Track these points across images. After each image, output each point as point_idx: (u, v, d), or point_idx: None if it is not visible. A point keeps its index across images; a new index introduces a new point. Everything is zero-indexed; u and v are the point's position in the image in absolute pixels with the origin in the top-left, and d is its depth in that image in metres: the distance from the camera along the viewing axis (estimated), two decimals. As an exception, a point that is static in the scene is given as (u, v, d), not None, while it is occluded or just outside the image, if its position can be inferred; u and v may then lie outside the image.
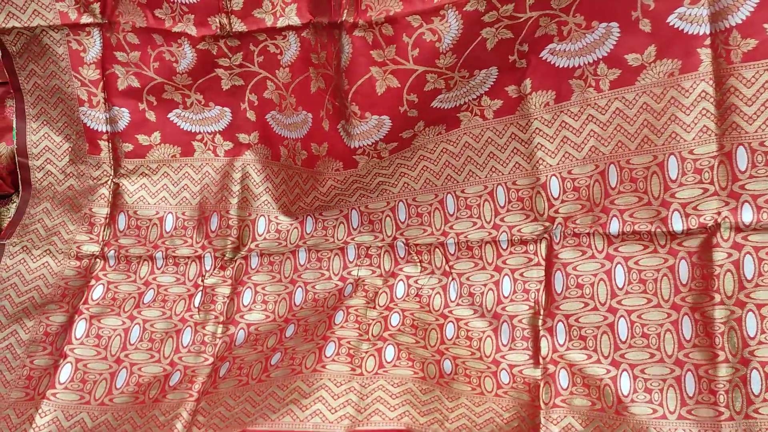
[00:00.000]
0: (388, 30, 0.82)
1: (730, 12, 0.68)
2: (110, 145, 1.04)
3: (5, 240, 1.03)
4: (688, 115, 0.72)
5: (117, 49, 0.97)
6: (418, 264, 0.90)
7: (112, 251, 1.01)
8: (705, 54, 0.70)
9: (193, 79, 0.98)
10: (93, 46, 0.98)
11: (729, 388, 0.68)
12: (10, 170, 1.11)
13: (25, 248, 1.03)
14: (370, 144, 0.91)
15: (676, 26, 0.71)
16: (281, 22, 0.90)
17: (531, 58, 0.80)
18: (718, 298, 0.69)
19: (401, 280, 0.90)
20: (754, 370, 0.66)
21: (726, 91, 0.70)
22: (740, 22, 0.67)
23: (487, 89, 0.84)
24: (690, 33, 0.71)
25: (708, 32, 0.70)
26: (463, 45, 0.81)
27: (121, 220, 1.04)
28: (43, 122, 1.05)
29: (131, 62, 0.98)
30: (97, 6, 0.96)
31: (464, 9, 0.78)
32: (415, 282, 0.89)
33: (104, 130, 1.03)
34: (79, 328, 0.93)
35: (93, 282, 0.98)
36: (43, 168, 1.07)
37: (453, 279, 0.87)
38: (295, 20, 0.89)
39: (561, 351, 0.78)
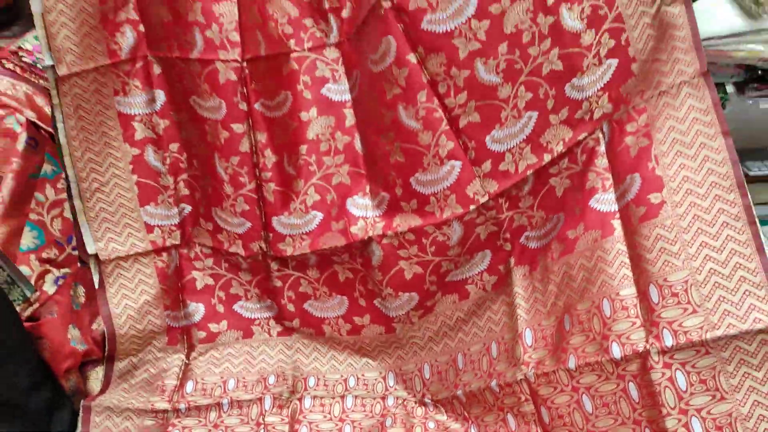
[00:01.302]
0: (410, 236, 1.02)
1: (628, 191, 0.86)
2: (185, 336, 1.22)
3: (90, 402, 1.19)
4: (611, 267, 0.87)
5: (194, 259, 1.19)
6: (445, 414, 1.07)
7: (182, 405, 1.15)
8: (617, 224, 0.88)
9: (252, 275, 1.20)
10: (173, 261, 1.20)
11: None
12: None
13: (107, 408, 1.18)
14: (404, 313, 1.10)
15: (595, 207, 0.91)
16: (297, 252, 1.10)
17: (514, 243, 1.01)
18: (665, 411, 0.79)
19: (432, 423, 1.07)
20: None
21: (634, 246, 0.85)
22: (633, 197, 0.85)
23: (485, 267, 1.04)
24: (604, 211, 0.90)
25: (617, 208, 0.89)
26: (465, 239, 1.01)
27: (189, 386, 1.19)
28: (130, 327, 1.20)
29: (207, 267, 1.20)
30: (178, 233, 1.19)
31: (464, 219, 0.99)
32: (443, 424, 1.07)
33: (181, 326, 1.22)
34: (163, 467, 1.06)
35: (170, 428, 1.11)
36: (125, 359, 1.25)
37: (472, 422, 1.03)
38: (306, 250, 1.09)
39: None
